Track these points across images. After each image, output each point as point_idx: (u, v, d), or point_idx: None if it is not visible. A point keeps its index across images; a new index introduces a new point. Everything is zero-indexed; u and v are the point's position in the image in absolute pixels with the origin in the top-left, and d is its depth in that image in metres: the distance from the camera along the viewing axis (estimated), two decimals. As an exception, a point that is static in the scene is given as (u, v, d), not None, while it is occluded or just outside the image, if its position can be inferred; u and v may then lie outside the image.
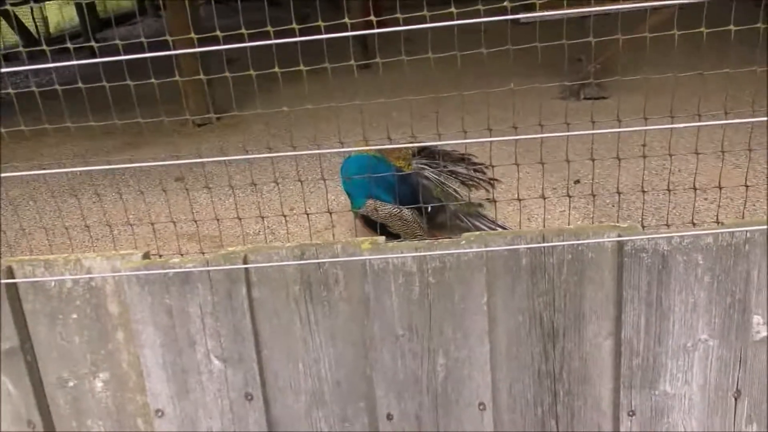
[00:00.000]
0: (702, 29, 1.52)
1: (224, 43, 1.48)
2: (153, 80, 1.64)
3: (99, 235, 4.05)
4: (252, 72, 1.55)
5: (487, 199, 3.60)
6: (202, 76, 2.22)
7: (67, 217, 4.37)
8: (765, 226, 1.16)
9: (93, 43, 1.55)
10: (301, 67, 1.37)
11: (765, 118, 1.26)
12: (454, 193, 3.47)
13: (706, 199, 3.84)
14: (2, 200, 4.76)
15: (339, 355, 1.32)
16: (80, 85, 1.62)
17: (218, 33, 1.40)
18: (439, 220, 3.41)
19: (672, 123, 1.28)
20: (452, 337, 1.28)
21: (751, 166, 4.07)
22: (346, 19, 1.40)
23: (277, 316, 1.31)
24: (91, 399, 1.39)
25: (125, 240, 3.92)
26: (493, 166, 3.47)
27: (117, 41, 1.56)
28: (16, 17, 10.85)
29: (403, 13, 1.52)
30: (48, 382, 1.38)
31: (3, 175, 1.42)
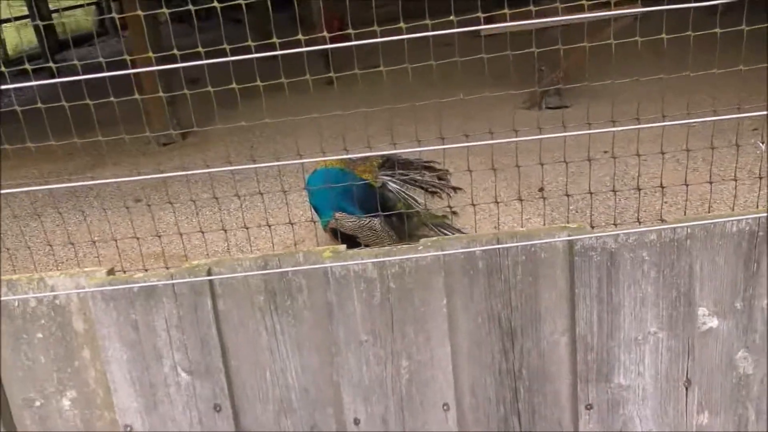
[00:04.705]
0: (663, 36, 1.60)
1: (184, 62, 1.51)
2: (113, 99, 1.66)
3: (63, 258, 4.01)
4: (212, 89, 1.58)
5: (451, 209, 3.68)
6: (162, 94, 2.24)
7: (30, 239, 4.31)
8: (704, 222, 1.22)
9: (52, 65, 1.57)
10: (258, 83, 1.40)
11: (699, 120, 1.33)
12: (416, 205, 3.54)
13: (666, 202, 3.97)
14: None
15: (305, 363, 1.35)
16: (40, 105, 1.64)
17: (176, 52, 1.43)
18: (407, 229, 3.46)
19: (615, 127, 1.34)
20: (414, 340, 1.32)
21: (691, 165, 4.22)
22: (301, 36, 1.44)
23: (243, 327, 1.33)
24: (59, 418, 1.39)
25: (90, 262, 3.89)
26: (447, 171, 3.55)
27: (76, 62, 1.58)
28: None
29: (363, 29, 1.56)
30: (14, 403, 1.38)
31: None
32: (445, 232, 3.62)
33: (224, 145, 6.09)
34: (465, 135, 1.40)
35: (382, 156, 3.66)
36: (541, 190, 4.47)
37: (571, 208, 4.22)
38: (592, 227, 1.27)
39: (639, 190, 2.00)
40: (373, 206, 3.30)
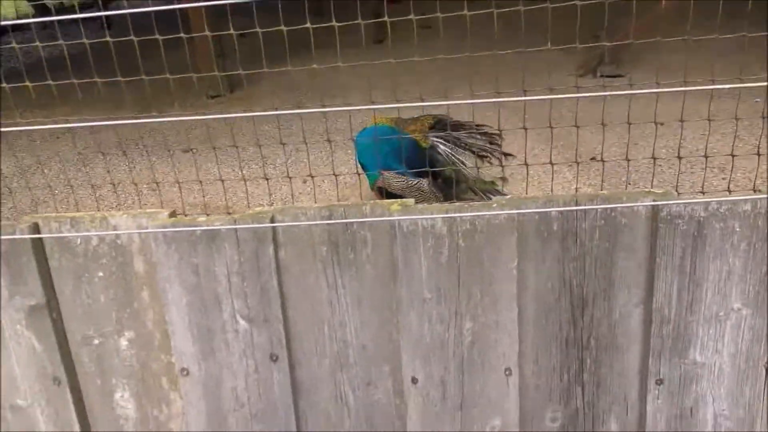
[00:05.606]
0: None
1: (235, 16, 1.45)
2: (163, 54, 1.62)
3: (110, 203, 4.06)
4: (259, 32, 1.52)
5: (501, 177, 3.59)
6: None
7: (80, 181, 4.37)
8: (805, 194, 1.13)
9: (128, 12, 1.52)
10: (312, 42, 1.34)
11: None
12: (465, 169, 3.47)
13: (721, 175, 3.80)
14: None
15: (365, 318, 1.31)
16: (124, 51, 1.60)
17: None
18: (455, 192, 3.39)
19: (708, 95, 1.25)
20: (480, 301, 1.27)
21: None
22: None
23: (303, 278, 1.30)
24: (116, 357, 1.39)
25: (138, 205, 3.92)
26: (500, 136, 3.45)
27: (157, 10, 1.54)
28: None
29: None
30: (73, 340, 1.38)
31: (5, 129, 1.39)
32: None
33: (271, 99, 6.06)
34: (524, 90, 1.32)
35: (434, 117, 3.58)
36: (593, 159, 4.33)
37: (623, 179, 4.09)
38: (678, 194, 1.19)
39: (733, 156, 1.89)
40: (421, 167, 3.25)
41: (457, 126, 3.63)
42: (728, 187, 2.52)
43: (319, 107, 5.66)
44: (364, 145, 3.27)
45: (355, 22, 1.41)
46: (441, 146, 3.51)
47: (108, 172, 4.58)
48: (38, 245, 1.32)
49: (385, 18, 1.57)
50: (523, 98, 1.26)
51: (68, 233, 1.31)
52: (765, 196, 1.13)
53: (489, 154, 3.60)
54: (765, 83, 1.26)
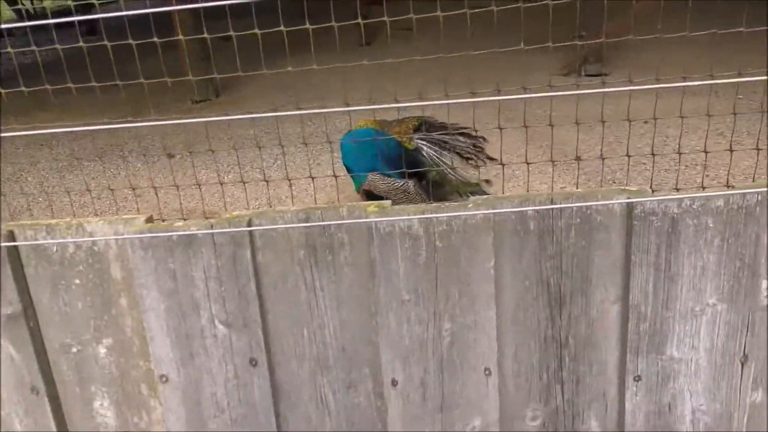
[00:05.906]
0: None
1: (222, 19, 1.45)
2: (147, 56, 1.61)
3: (88, 210, 4.03)
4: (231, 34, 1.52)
5: (486, 180, 3.61)
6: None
7: (63, 189, 4.35)
8: (776, 189, 1.15)
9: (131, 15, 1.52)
10: (282, 27, 1.34)
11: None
12: (449, 171, 3.48)
13: (705, 172, 3.84)
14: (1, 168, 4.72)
15: (344, 321, 1.31)
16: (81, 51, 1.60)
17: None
18: (440, 194, 3.40)
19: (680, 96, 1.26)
20: (458, 301, 1.27)
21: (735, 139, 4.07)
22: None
23: (282, 281, 1.29)
24: (95, 365, 1.38)
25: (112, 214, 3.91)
26: (483, 139, 3.46)
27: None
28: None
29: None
30: (51, 348, 1.37)
31: (4, 134, 1.38)
32: None
33: (257, 103, 6.05)
34: (497, 90, 1.32)
35: (418, 119, 3.59)
36: (577, 158, 4.36)
37: (608, 178, 4.12)
38: (653, 191, 1.20)
39: (706, 152, 1.91)
40: (406, 167, 3.25)
41: (441, 128, 3.64)
42: (702, 184, 2.54)
43: (307, 110, 5.65)
44: (349, 148, 3.27)
45: (330, 24, 1.41)
46: (426, 148, 3.52)
47: (92, 179, 4.55)
48: (14, 253, 1.31)
49: (359, 20, 1.57)
50: (497, 98, 1.27)
51: (44, 241, 1.30)
52: (735, 191, 1.14)
53: (473, 156, 3.61)
54: (738, 79, 1.28)
